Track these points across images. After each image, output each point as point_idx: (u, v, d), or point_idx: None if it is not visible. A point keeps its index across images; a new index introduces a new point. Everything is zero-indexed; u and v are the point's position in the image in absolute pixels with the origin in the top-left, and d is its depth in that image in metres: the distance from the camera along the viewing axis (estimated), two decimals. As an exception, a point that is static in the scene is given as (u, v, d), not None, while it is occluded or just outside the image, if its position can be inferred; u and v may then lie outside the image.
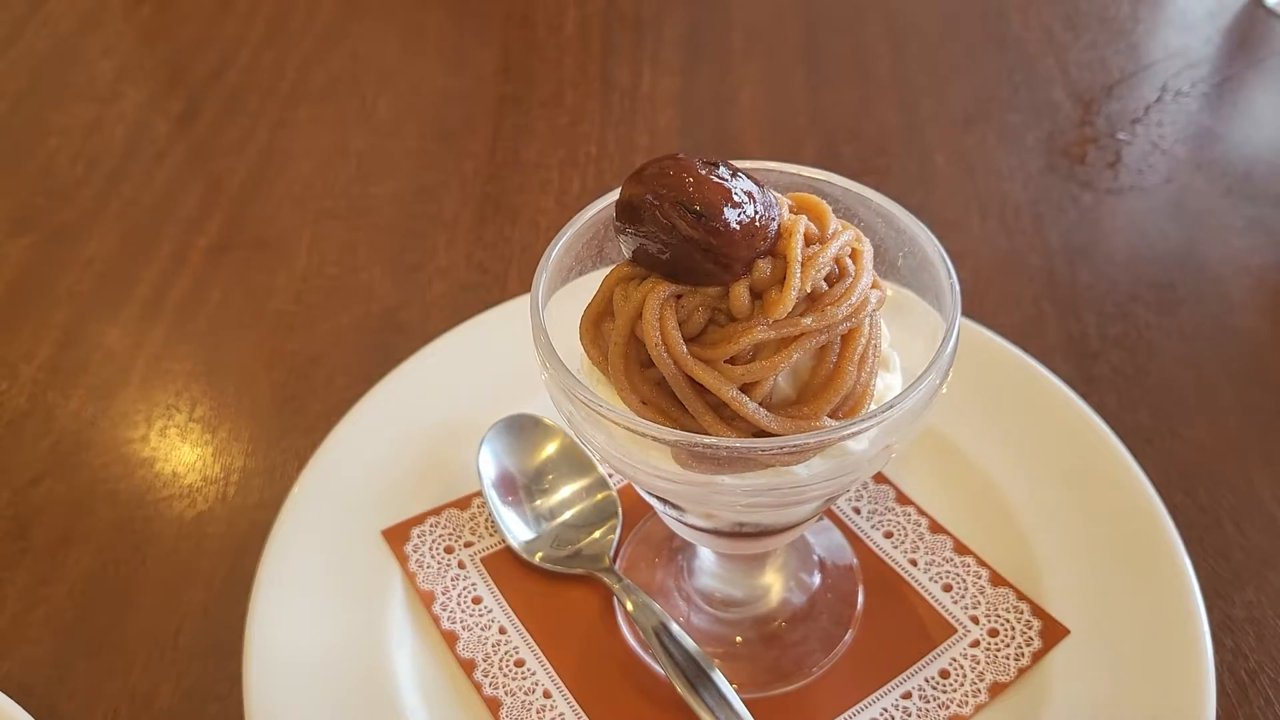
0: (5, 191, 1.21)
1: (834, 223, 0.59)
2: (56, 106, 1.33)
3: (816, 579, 0.82)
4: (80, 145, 1.27)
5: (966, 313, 0.96)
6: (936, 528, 0.82)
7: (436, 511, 0.84)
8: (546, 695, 0.74)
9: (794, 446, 0.54)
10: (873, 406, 0.58)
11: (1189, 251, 1.08)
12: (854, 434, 0.55)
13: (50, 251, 1.13)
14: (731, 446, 0.54)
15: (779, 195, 0.60)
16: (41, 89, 1.36)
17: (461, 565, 0.81)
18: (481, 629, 0.78)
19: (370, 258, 1.10)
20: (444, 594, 0.79)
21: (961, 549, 0.81)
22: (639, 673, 0.76)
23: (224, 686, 0.77)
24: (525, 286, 1.05)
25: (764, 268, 0.55)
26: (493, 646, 0.77)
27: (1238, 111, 1.26)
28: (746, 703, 0.71)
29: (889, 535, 0.82)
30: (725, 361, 0.55)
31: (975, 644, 0.75)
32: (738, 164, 0.58)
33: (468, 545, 0.83)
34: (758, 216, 0.55)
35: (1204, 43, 1.36)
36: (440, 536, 0.82)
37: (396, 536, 0.82)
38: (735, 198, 0.54)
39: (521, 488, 0.84)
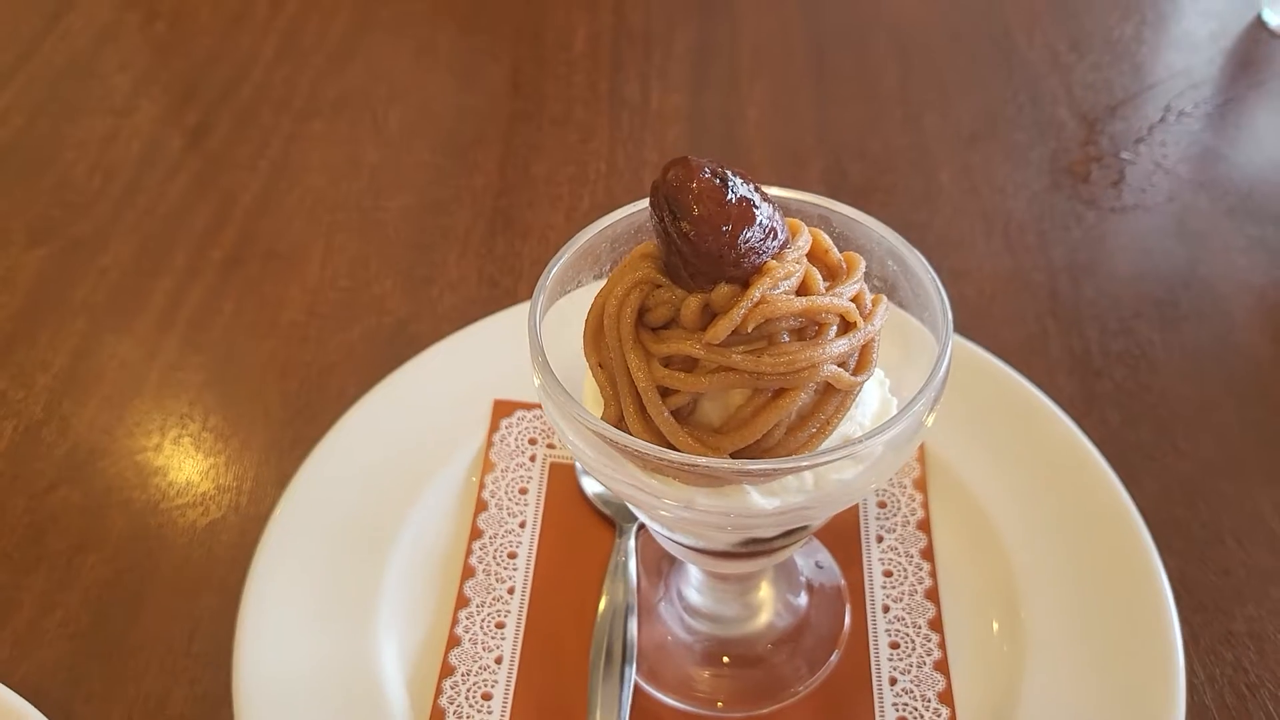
0: (22, 203, 1.22)
1: (850, 287, 0.59)
2: (72, 120, 1.35)
3: (804, 600, 0.82)
4: (96, 158, 1.29)
5: (969, 330, 0.97)
6: (941, 665, 0.77)
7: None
8: (510, 592, 0.82)
9: (653, 456, 0.55)
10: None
11: (1191, 270, 1.09)
12: (720, 471, 0.55)
13: (66, 262, 1.15)
14: (606, 433, 0.56)
15: (826, 238, 0.61)
16: (58, 102, 1.38)
17: (532, 459, 0.90)
18: (508, 514, 0.87)
19: (382, 270, 1.12)
20: (502, 472, 0.89)
21: (945, 698, 0.75)
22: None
23: (236, 692, 0.78)
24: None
25: (724, 291, 0.55)
26: (505, 532, 0.86)
27: (1240, 132, 1.27)
28: None
29: (895, 645, 0.79)
30: (660, 360, 0.56)
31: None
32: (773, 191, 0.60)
33: (550, 446, 0.91)
34: (739, 241, 0.55)
35: (1207, 64, 1.37)
36: (533, 428, 0.91)
37: (503, 410, 0.92)
38: (722, 215, 0.55)
39: None
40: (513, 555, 0.84)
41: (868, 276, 0.63)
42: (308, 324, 1.06)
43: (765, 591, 0.82)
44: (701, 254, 0.55)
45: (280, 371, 1.02)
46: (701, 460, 0.55)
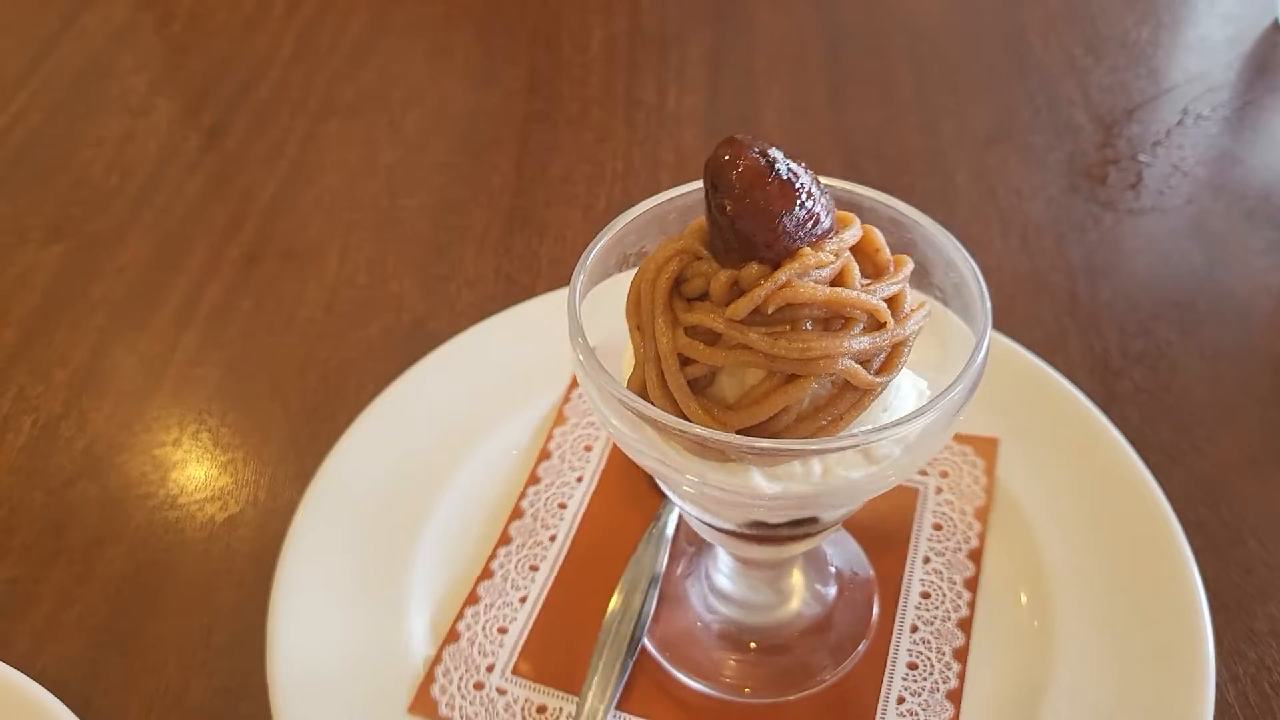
0: (40, 200, 1.23)
1: (888, 287, 0.58)
2: (90, 119, 1.35)
3: (833, 590, 0.82)
4: (113, 156, 1.29)
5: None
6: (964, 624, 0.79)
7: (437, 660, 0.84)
8: (551, 539, 0.85)
9: (661, 421, 0.56)
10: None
11: (1210, 272, 1.09)
12: (717, 442, 0.55)
13: (84, 259, 1.15)
14: (623, 397, 0.57)
15: (879, 237, 0.60)
16: (75, 102, 1.38)
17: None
18: (569, 468, 0.89)
19: (400, 269, 1.12)
20: (572, 427, 0.92)
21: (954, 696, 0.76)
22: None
23: (255, 685, 0.78)
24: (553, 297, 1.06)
25: (754, 270, 0.56)
26: (561, 483, 0.88)
27: (1258, 135, 1.27)
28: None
29: (913, 666, 0.78)
30: (685, 329, 0.57)
31: (939, 490, 0.84)
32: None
33: None
34: (773, 223, 0.55)
35: (1224, 68, 1.37)
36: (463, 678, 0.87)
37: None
38: (761, 196, 0.55)
39: None
40: (563, 505, 0.86)
41: (927, 284, 0.62)
42: (325, 321, 1.07)
43: (795, 580, 0.82)
44: (736, 231, 0.55)
45: (298, 368, 1.02)
46: (700, 430, 0.55)
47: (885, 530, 0.84)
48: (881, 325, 0.57)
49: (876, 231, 0.61)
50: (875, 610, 0.80)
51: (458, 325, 1.03)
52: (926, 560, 0.82)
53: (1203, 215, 1.16)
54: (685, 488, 0.61)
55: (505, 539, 0.84)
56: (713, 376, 0.58)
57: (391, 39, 1.48)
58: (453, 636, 0.78)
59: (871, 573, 0.82)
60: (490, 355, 0.95)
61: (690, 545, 0.85)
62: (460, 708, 0.75)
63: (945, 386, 0.58)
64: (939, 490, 0.85)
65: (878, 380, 0.57)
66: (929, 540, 0.83)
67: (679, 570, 0.84)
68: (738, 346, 0.56)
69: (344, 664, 0.75)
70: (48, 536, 0.89)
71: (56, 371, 1.03)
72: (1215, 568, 0.83)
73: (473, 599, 0.81)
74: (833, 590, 0.82)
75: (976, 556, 0.82)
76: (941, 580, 0.81)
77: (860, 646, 0.78)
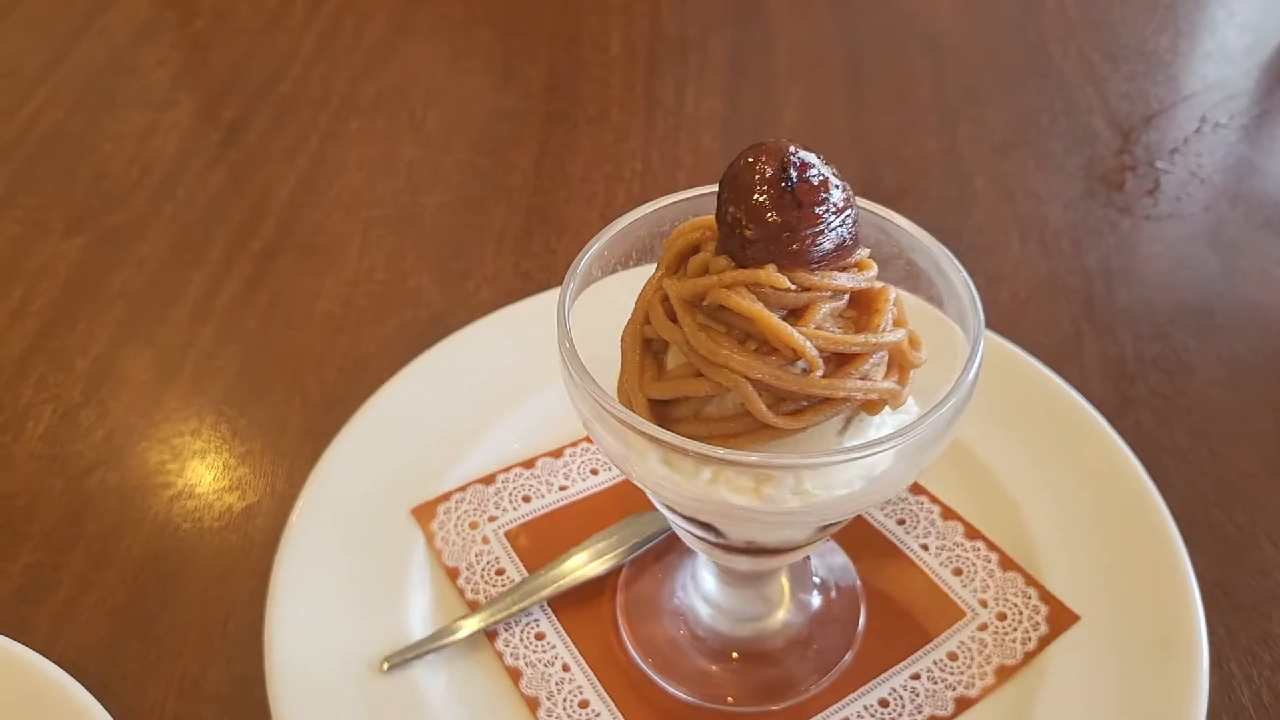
0: (62, 193, 1.24)
1: (850, 341, 0.56)
2: (111, 113, 1.36)
3: (817, 600, 0.82)
4: (134, 151, 1.30)
5: (1002, 331, 0.97)
6: (949, 513, 0.85)
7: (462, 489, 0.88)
8: (594, 473, 0.88)
9: (581, 385, 0.58)
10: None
11: (1226, 278, 1.09)
12: (608, 407, 0.57)
13: (104, 251, 1.16)
14: (583, 384, 0.58)
15: (890, 299, 0.59)
16: (97, 96, 1.39)
17: None
18: None
19: (419, 265, 1.12)
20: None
21: (972, 533, 0.83)
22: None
23: (272, 672, 0.79)
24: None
25: (720, 262, 0.57)
26: None
27: (1276, 143, 1.27)
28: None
29: (901, 522, 0.85)
30: (661, 294, 0.59)
31: (983, 627, 0.78)
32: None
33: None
34: (749, 228, 0.55)
35: (1243, 76, 1.37)
36: (466, 512, 0.87)
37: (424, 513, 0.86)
38: (757, 201, 0.55)
39: None
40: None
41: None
42: (344, 316, 1.07)
43: (780, 591, 0.81)
44: (720, 220, 0.57)
45: (316, 361, 1.02)
46: (595, 392, 0.57)
47: (898, 630, 0.78)
48: (846, 363, 0.56)
49: (891, 294, 0.59)
50: (862, 619, 0.79)
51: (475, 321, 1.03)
52: (915, 677, 0.75)
53: (1220, 222, 1.16)
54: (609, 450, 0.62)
55: (557, 453, 0.89)
56: (667, 344, 0.59)
57: (412, 38, 1.49)
58: (488, 480, 0.87)
59: (858, 582, 0.82)
60: (493, 348, 0.96)
61: (678, 554, 0.85)
62: (445, 531, 0.84)
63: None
64: (983, 627, 0.77)
65: (773, 418, 0.55)
66: (935, 663, 0.76)
67: (665, 576, 0.83)
68: (672, 322, 0.57)
69: (341, 657, 0.75)
70: (67, 523, 0.90)
71: (77, 361, 1.03)
72: (1230, 571, 0.83)
73: (529, 463, 0.88)
74: (818, 599, 0.81)
75: (964, 705, 0.74)
76: (905, 704, 0.74)
77: (846, 656, 0.77)
